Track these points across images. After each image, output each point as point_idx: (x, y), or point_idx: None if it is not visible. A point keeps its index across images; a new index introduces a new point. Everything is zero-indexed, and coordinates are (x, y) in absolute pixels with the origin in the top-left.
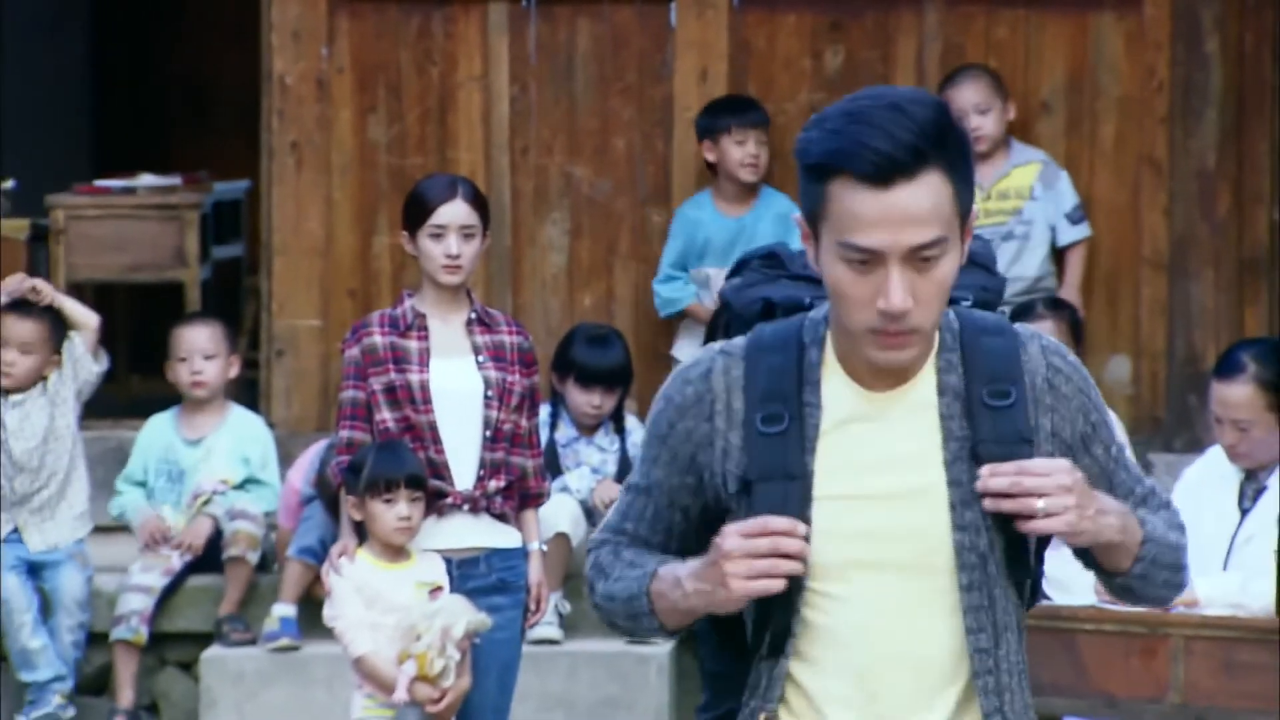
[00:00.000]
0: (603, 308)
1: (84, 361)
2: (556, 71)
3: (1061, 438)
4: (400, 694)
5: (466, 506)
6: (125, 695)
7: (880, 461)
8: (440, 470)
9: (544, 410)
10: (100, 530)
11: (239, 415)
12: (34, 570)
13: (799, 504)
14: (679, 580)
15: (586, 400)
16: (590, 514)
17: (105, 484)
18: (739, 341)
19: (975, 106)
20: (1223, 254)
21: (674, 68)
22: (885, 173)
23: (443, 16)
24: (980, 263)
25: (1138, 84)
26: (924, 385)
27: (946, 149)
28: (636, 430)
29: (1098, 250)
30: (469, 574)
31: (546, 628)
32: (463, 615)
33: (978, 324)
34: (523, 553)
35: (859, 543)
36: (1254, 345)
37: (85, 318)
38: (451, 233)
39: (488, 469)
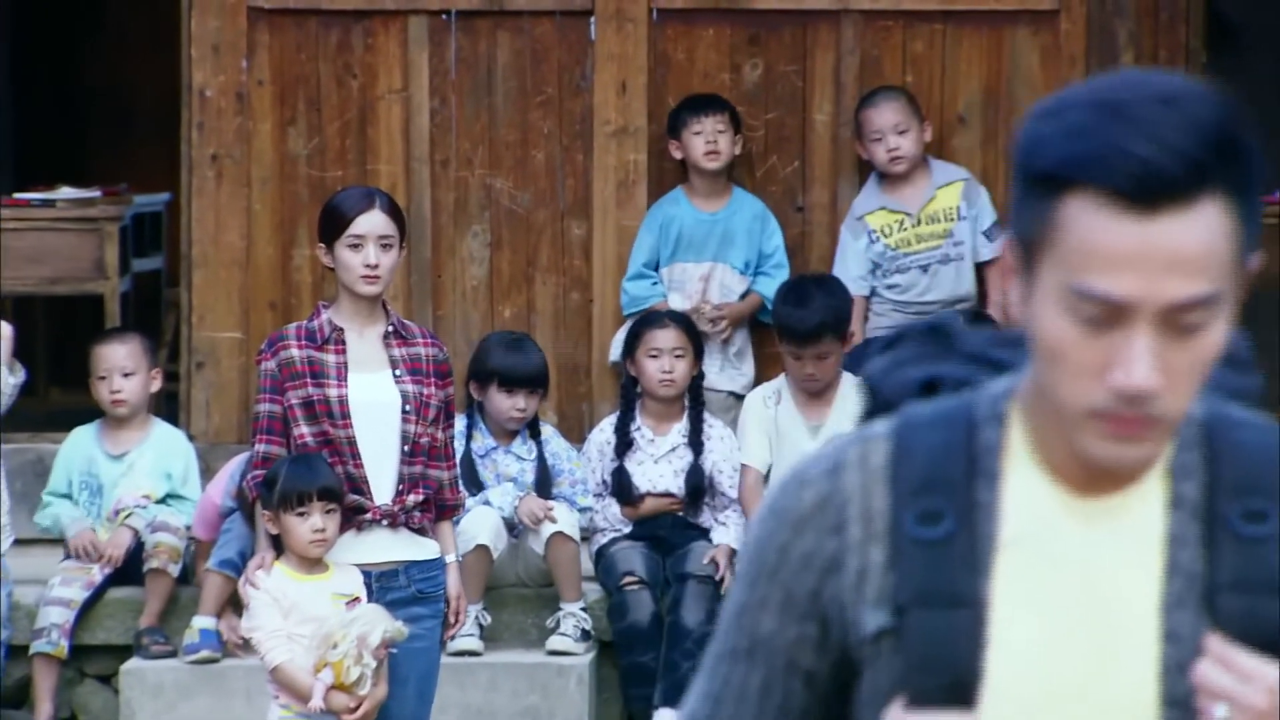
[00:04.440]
0: (523, 319)
1: None
2: (476, 84)
3: None
4: (316, 702)
5: (386, 521)
6: (44, 708)
7: (1075, 596)
8: (359, 485)
9: (460, 422)
10: (20, 542)
11: (162, 430)
12: None
13: (972, 648)
14: None
15: (511, 404)
16: (512, 527)
17: (25, 496)
18: (882, 424)
19: (894, 127)
20: None
21: (593, 80)
22: (1150, 192)
23: (363, 30)
24: (1228, 357)
25: None
26: (1149, 494)
27: (1234, 167)
28: (554, 439)
29: None
30: (388, 586)
31: (467, 639)
32: (379, 623)
33: (1231, 417)
34: (441, 563)
35: (1037, 709)
36: None
37: None
38: (370, 242)
39: (406, 483)
